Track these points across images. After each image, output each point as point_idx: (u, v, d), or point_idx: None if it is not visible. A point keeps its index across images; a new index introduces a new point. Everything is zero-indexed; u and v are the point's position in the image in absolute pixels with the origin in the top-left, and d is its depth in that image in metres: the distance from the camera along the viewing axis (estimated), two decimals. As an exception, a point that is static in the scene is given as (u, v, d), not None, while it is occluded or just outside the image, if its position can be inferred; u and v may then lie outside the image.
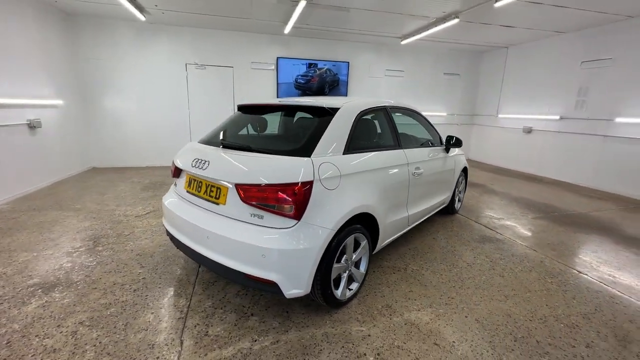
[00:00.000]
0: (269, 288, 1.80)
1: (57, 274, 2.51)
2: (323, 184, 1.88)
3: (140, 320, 1.99)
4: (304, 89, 7.43)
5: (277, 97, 7.34)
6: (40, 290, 2.28)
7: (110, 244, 3.05)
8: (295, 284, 1.80)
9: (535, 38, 6.76)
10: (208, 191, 2.06)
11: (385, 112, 2.76)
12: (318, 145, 1.98)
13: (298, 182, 1.77)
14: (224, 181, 1.95)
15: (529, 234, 3.65)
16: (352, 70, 7.69)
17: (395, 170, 2.56)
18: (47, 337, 1.82)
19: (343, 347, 1.82)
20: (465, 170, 4.18)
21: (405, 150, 2.75)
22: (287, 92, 7.37)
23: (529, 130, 7.22)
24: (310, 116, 2.34)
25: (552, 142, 6.69)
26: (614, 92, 5.51)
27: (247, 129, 2.73)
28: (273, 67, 7.23)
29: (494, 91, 8.27)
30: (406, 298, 2.32)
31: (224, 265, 1.86)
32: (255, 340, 1.85)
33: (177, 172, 2.40)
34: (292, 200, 1.75)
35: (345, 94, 7.68)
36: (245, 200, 1.82)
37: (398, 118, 2.93)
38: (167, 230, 2.37)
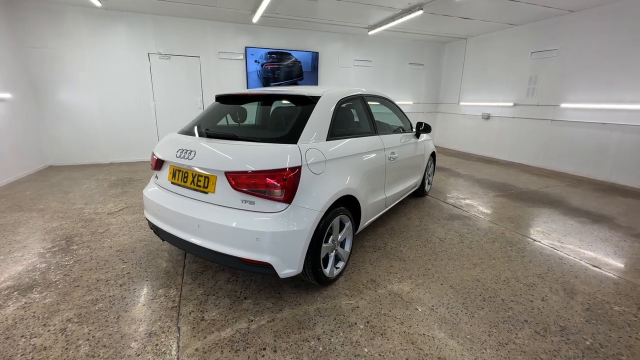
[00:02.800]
0: (264, 270, 1.89)
1: (31, 275, 2.40)
2: (310, 169, 1.97)
3: (132, 313, 1.99)
4: (269, 79, 7.39)
5: (247, 87, 7.23)
6: (16, 293, 2.18)
7: (86, 242, 2.94)
8: (289, 264, 1.90)
9: (491, 30, 7.23)
10: (195, 181, 2.08)
11: (361, 100, 2.89)
12: (303, 132, 2.07)
13: (286, 168, 1.86)
14: (213, 170, 1.98)
15: (491, 210, 4.02)
16: (322, 60, 7.76)
17: (374, 155, 2.72)
18: (35, 337, 1.78)
19: (335, 318, 1.96)
20: (433, 154, 4.47)
21: (381, 136, 2.92)
22: (257, 83, 7.29)
23: (487, 117, 7.78)
24: (292, 105, 2.41)
25: (507, 127, 7.28)
26: (559, 80, 6.10)
27: (227, 119, 2.74)
28: (242, 56, 7.09)
29: (455, 80, 8.76)
30: (388, 272, 2.51)
31: (218, 252, 1.92)
32: (252, 321, 1.94)
33: (158, 164, 2.37)
34: (282, 185, 1.83)
35: (316, 84, 7.74)
36: (236, 187, 1.87)
37: (373, 106, 3.08)
38: (150, 222, 2.36)
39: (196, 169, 2.07)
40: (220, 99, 2.78)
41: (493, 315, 2.03)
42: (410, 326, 1.91)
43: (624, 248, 3.00)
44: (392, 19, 6.22)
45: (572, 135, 5.94)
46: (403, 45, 8.55)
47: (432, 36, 8.02)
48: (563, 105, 6.02)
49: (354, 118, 2.86)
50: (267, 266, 1.85)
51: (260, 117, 3.00)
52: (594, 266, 2.66)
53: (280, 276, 1.89)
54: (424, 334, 1.85)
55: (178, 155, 2.12)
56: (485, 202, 4.34)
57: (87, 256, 2.69)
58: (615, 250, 2.96)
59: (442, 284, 2.36)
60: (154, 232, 2.38)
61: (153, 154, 2.41)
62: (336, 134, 2.34)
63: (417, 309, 2.07)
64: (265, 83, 7.41)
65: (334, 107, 2.38)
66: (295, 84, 7.62)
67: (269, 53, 7.22)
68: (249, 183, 1.85)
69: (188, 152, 2.08)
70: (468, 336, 1.83)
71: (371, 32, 7.26)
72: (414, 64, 8.83)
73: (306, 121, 2.13)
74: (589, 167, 5.72)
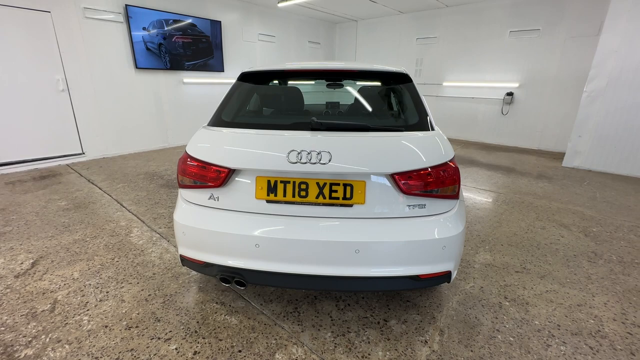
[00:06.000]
0: (437, 281, 1.62)
1: None
2: (450, 157, 1.77)
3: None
4: (182, 57, 5.88)
5: (135, 61, 5.43)
6: None
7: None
8: (457, 265, 1.70)
9: (381, 15, 8.03)
10: (328, 193, 1.50)
11: None
12: (429, 115, 1.80)
13: (452, 157, 1.60)
14: (367, 173, 1.48)
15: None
16: (225, 31, 6.64)
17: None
18: None
19: (482, 304, 1.93)
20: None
21: None
22: (148, 57, 5.56)
23: (382, 94, 8.80)
24: (386, 84, 2.03)
25: (401, 103, 8.50)
26: (439, 63, 7.52)
27: (281, 103, 2.05)
28: (121, 18, 5.19)
29: (349, 60, 9.36)
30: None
31: (384, 278, 1.50)
32: (426, 342, 1.66)
33: (225, 177, 1.55)
34: (457, 179, 1.57)
35: (221, 59, 6.62)
36: (409, 190, 1.48)
37: None
38: (226, 269, 1.57)
39: (331, 175, 1.48)
40: (255, 76, 2.03)
41: (556, 258, 2.48)
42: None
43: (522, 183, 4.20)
44: (312, -8, 5.94)
45: (453, 108, 7.55)
46: (302, 22, 8.36)
47: (326, 14, 8.15)
48: (444, 84, 7.51)
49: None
50: (446, 274, 1.60)
51: (334, 100, 2.48)
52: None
53: (451, 281, 1.68)
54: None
55: (294, 160, 1.45)
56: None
57: None
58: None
59: (500, 245, 2.67)
60: (238, 281, 1.60)
61: (210, 164, 1.55)
62: None
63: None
64: (175, 62, 5.82)
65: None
66: (206, 64, 6.30)
67: (168, 20, 5.58)
68: (423, 182, 1.50)
69: (314, 153, 1.45)
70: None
71: (281, 4, 6.71)
72: (313, 42, 8.84)
73: (421, 103, 1.86)
74: (466, 131, 7.48)
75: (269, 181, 1.53)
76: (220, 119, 1.81)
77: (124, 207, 3.36)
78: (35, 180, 4.18)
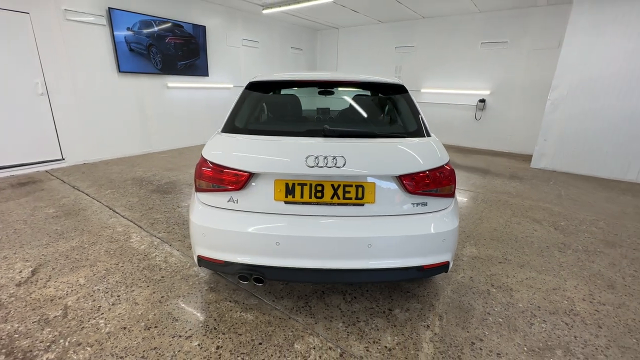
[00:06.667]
0: (437, 271, 1.81)
1: None
2: (444, 161, 1.98)
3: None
4: (175, 58, 5.85)
5: (117, 64, 5.33)
6: None
7: (62, 340, 1.67)
8: (453, 256, 1.90)
9: (362, 23, 8.34)
10: (342, 194, 1.65)
11: None
12: (424, 124, 2.01)
13: (448, 160, 1.81)
14: (377, 175, 1.65)
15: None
16: (210, 36, 6.65)
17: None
18: None
19: (472, 290, 2.16)
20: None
21: None
22: (132, 59, 5.48)
23: (363, 100, 9.10)
24: (381, 94, 2.22)
25: (381, 108, 8.83)
26: (417, 70, 7.92)
27: (286, 111, 2.19)
28: (104, 20, 5.09)
29: (331, 67, 9.60)
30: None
31: (394, 269, 1.68)
32: (428, 326, 1.85)
33: (244, 181, 1.66)
34: (452, 179, 1.78)
35: (206, 64, 6.61)
36: (414, 190, 1.66)
37: None
38: (246, 267, 1.68)
39: (345, 178, 1.64)
40: (261, 86, 2.16)
41: (532, 249, 2.78)
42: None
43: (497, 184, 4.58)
44: (297, 1, 6.10)
45: (431, 113, 7.95)
46: (285, 28, 8.50)
47: (309, 22, 8.35)
48: (423, 90, 7.92)
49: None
50: (445, 265, 1.79)
51: (328, 107, 2.78)
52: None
53: (449, 270, 1.88)
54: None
55: (311, 164, 1.60)
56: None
57: (106, 357, 1.58)
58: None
59: (483, 239, 2.94)
60: (256, 279, 1.71)
61: (230, 169, 1.66)
62: None
63: (499, 263, 2.55)
64: (167, 63, 5.77)
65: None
66: (193, 65, 6.27)
67: (155, 21, 5.52)
68: (426, 183, 1.69)
69: (330, 158, 1.60)
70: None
71: (266, 11, 6.82)
72: (295, 48, 9.00)
73: (418, 112, 2.06)
74: (444, 136, 7.90)
75: (287, 184, 1.66)
76: (234, 126, 1.91)
77: (117, 213, 3.32)
78: (15, 187, 4.01)
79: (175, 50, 5.95)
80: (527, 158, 6.26)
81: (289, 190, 1.66)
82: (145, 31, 5.50)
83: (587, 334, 1.83)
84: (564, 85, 5.25)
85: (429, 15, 7.16)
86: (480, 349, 1.69)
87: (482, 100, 7.05)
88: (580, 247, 2.86)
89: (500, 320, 1.91)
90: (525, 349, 1.70)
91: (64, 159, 5.03)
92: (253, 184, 1.69)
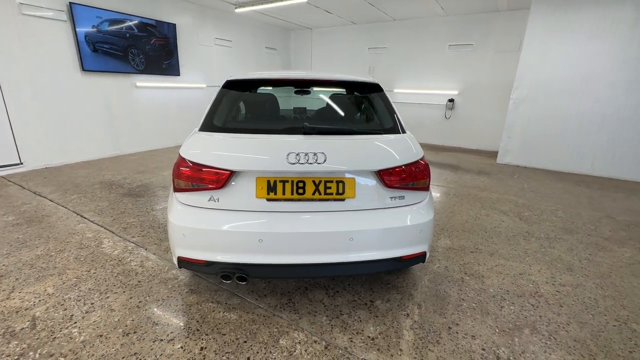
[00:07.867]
0: (415, 261, 1.90)
1: None
2: (419, 156, 2.08)
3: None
4: (159, 58, 5.62)
5: (81, 62, 5.05)
6: None
7: (31, 352, 1.58)
8: (430, 247, 1.99)
9: (335, 24, 8.44)
10: (323, 189, 1.69)
11: None
12: (399, 121, 2.09)
13: (422, 156, 1.90)
14: (357, 171, 1.70)
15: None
16: (180, 34, 6.46)
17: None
18: None
19: (448, 279, 2.27)
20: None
21: None
22: (97, 58, 5.21)
23: (338, 100, 9.21)
24: (357, 93, 2.27)
25: (356, 108, 8.99)
26: (390, 71, 8.14)
27: (265, 109, 2.19)
28: (64, 16, 4.80)
29: (305, 67, 9.63)
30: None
31: (374, 261, 1.74)
32: (408, 315, 1.93)
33: (225, 179, 1.66)
34: (427, 174, 1.87)
35: (177, 63, 6.42)
36: (391, 184, 1.73)
37: None
38: (230, 266, 1.67)
39: (325, 174, 1.68)
40: (238, 85, 2.15)
41: (500, 238, 2.97)
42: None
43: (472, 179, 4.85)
44: (270, 1, 6.08)
45: (404, 112, 8.08)
46: (258, 28, 8.42)
47: (282, 21, 8.34)
48: (395, 90, 8.15)
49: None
50: (422, 255, 1.88)
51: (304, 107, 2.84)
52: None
53: (425, 260, 1.97)
54: (496, 265, 2.51)
55: (293, 161, 1.62)
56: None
57: None
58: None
59: (456, 231, 3.09)
60: (240, 277, 1.71)
61: (211, 167, 1.65)
62: None
63: (471, 252, 2.70)
64: (149, 64, 5.54)
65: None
66: (168, 66, 6.05)
67: (123, 19, 5.27)
68: (402, 177, 1.77)
69: (311, 155, 1.63)
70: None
71: (238, 10, 6.73)
72: (270, 48, 8.94)
73: (393, 110, 2.15)
74: (416, 134, 8.11)
75: (268, 181, 1.67)
76: (213, 125, 1.90)
77: (85, 218, 3.16)
78: (-34, 195, 3.69)
79: (145, 49, 5.73)
80: (494, 154, 6.63)
81: (271, 187, 1.67)
82: (110, 28, 5.26)
83: (551, 312, 1.99)
84: (524, 86, 5.62)
85: (400, 17, 7.39)
86: (457, 333, 1.79)
87: (451, 100, 7.37)
88: (543, 234, 3.09)
89: (474, 305, 2.03)
90: (497, 330, 1.83)
91: (22, 163, 4.69)
92: (233, 182, 1.68)
